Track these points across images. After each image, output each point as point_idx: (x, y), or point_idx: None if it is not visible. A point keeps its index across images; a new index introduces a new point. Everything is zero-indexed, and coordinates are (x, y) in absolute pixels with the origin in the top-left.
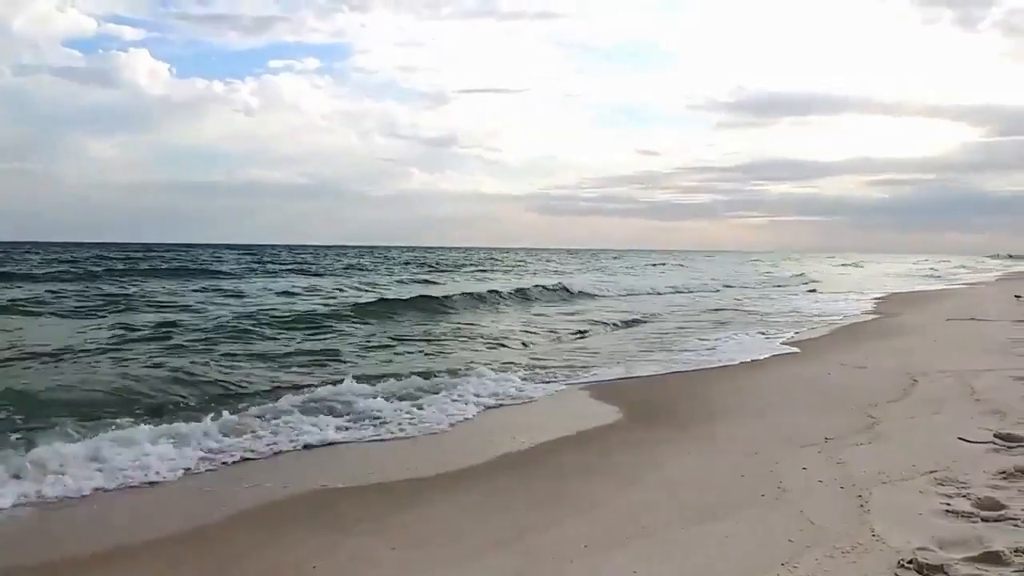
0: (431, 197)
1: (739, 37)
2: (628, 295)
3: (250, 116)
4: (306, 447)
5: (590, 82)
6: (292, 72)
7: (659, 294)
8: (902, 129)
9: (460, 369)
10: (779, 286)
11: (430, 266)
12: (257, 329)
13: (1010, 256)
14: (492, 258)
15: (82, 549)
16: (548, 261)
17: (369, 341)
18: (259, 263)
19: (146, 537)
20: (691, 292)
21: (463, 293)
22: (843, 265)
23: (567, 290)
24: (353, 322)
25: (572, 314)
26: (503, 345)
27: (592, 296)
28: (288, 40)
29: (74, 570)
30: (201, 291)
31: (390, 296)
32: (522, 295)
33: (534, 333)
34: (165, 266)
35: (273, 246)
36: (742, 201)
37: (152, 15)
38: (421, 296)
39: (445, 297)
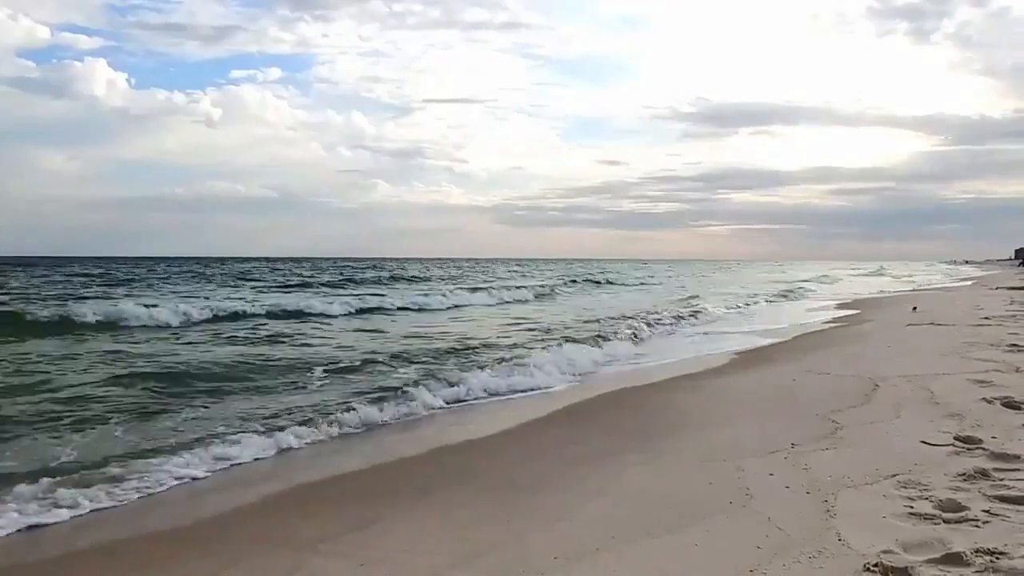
0: (397, 209)
1: (700, 49)
2: None
3: (212, 128)
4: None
5: (554, 93)
6: (254, 83)
7: None
8: (860, 139)
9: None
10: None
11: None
12: None
13: (967, 262)
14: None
15: None
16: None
17: None
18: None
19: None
20: None
21: None
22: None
23: None
24: None
25: None
26: None
27: None
28: (250, 50)
29: None
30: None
31: None
32: None
33: None
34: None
35: (243, 259)
36: (706, 210)
37: (109, 24)
38: None
39: None
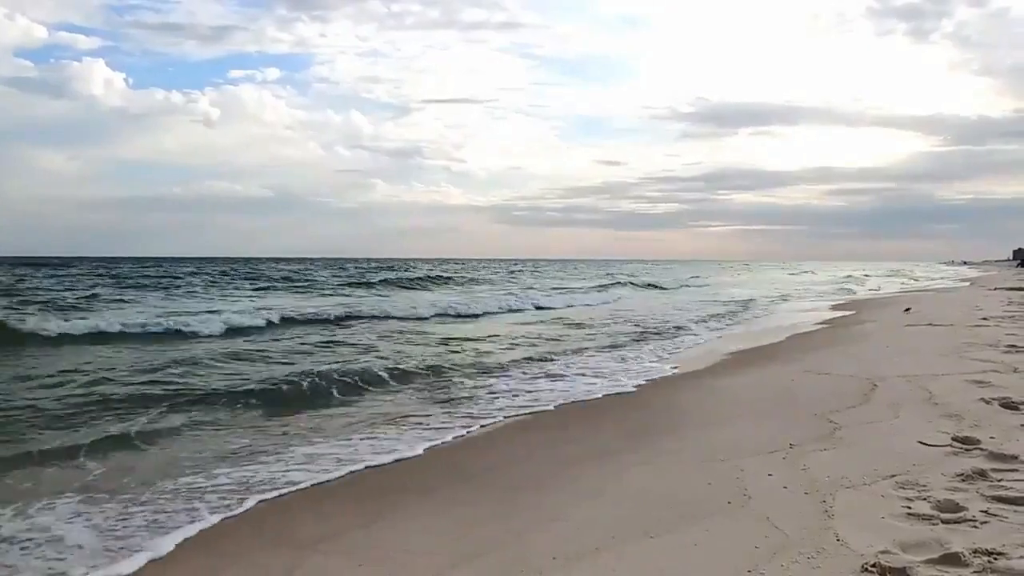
0: (396, 208)
1: (699, 49)
2: None
3: (210, 127)
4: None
5: (553, 93)
6: (253, 83)
7: None
8: (859, 139)
9: None
10: None
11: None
12: None
13: (964, 263)
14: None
15: None
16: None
17: None
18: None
19: None
20: None
21: None
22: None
23: None
24: None
25: None
26: None
27: None
28: (248, 50)
29: None
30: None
31: None
32: None
33: None
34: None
35: (238, 259)
36: (706, 210)
37: (107, 24)
38: None
39: None
